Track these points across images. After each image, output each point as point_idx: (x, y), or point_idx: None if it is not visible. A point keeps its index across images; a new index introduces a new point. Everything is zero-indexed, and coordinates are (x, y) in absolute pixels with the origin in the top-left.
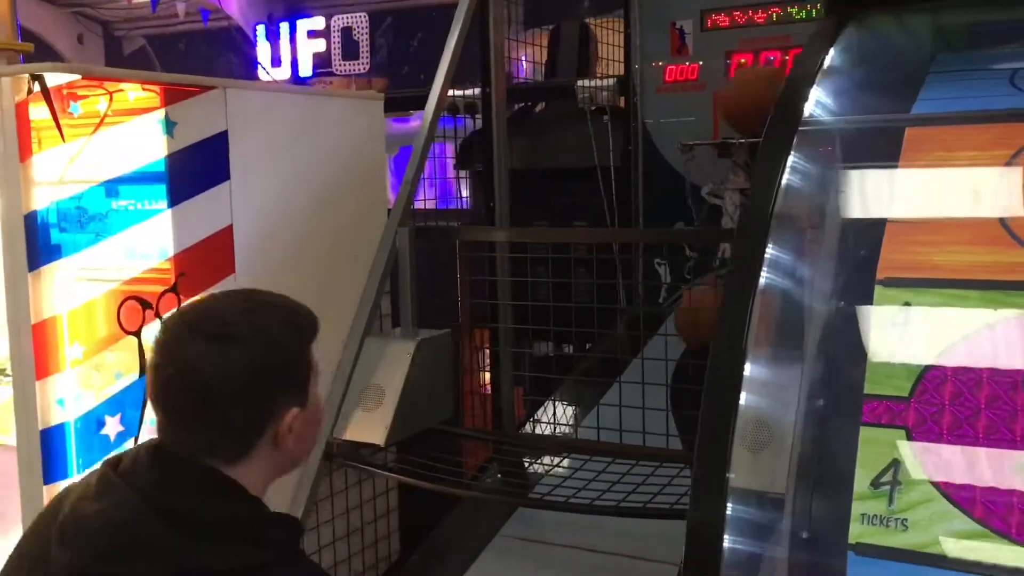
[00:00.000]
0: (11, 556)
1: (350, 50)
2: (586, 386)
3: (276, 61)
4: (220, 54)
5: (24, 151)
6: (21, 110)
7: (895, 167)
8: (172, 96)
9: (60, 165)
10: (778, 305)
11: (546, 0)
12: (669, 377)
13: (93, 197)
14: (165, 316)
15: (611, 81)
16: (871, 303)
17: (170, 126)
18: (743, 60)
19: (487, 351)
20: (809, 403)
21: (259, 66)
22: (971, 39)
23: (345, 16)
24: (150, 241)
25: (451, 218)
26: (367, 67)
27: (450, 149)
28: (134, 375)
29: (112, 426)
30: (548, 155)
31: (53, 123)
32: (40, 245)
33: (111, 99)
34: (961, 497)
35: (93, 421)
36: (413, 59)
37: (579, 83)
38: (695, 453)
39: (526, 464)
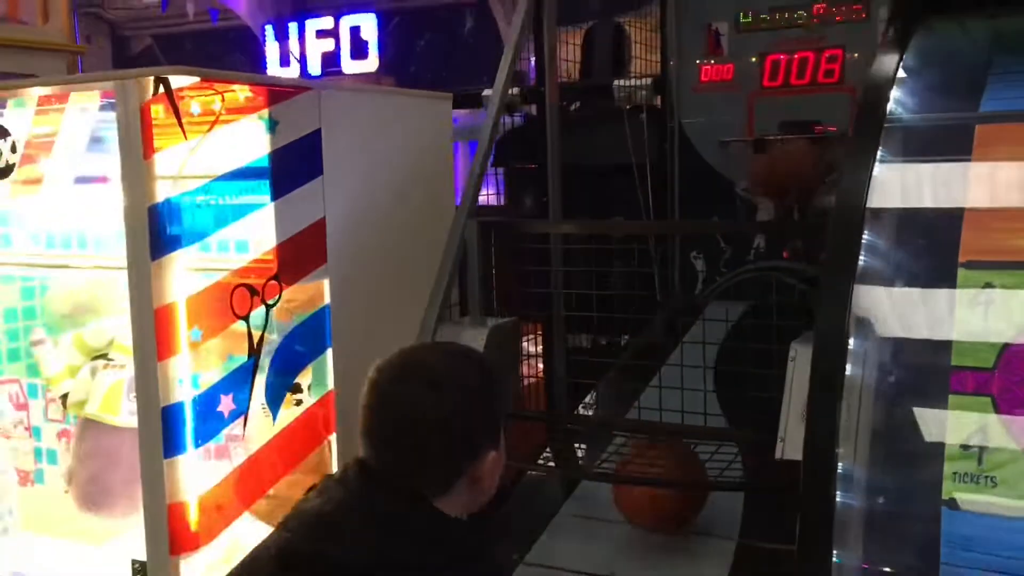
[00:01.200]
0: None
1: (359, 49)
2: (634, 371)
3: (285, 60)
4: (228, 53)
5: (147, 148)
6: (145, 110)
7: (969, 160)
8: (275, 97)
9: (178, 161)
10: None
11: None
12: (715, 360)
13: (207, 191)
14: (376, 363)
15: (647, 80)
16: (955, 284)
17: (273, 125)
18: (777, 59)
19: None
20: (894, 377)
21: (267, 65)
22: None
23: (353, 16)
24: (255, 232)
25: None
26: (376, 66)
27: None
28: (243, 357)
29: (226, 404)
30: (585, 152)
31: (171, 122)
32: (161, 236)
33: (223, 99)
34: None
35: (210, 399)
36: (420, 58)
37: (616, 82)
38: (806, 444)
39: (578, 447)
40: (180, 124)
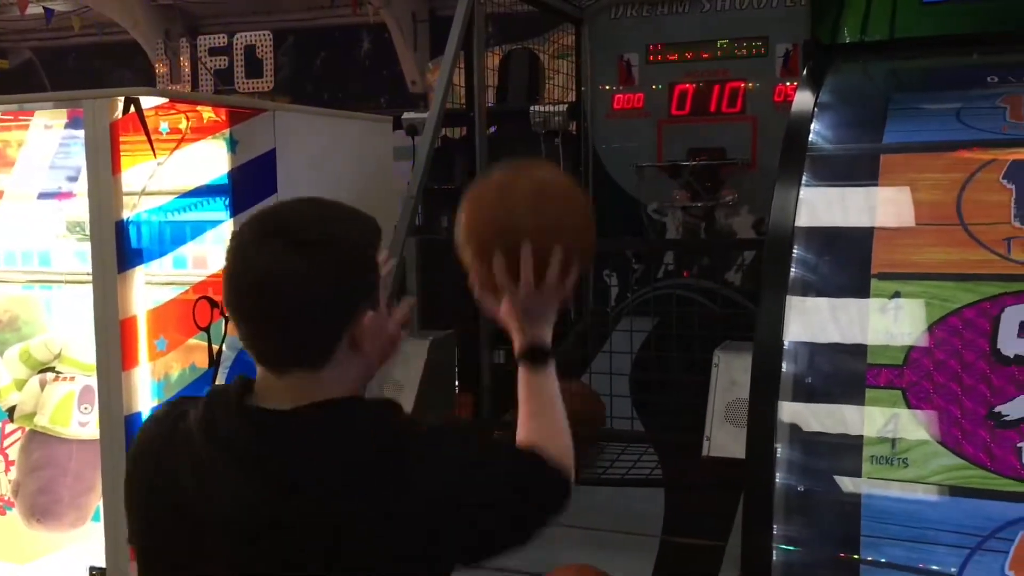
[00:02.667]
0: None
1: (253, 68)
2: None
3: (176, 77)
4: (113, 69)
5: (115, 166)
6: (114, 129)
7: (877, 185)
8: (236, 118)
9: (144, 178)
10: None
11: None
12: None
13: (171, 208)
14: (235, 228)
15: (563, 107)
16: (868, 293)
17: (233, 144)
18: (684, 89)
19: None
20: (819, 374)
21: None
22: (920, 83)
23: (248, 34)
24: (215, 247)
25: None
26: (271, 85)
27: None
28: (204, 366)
29: None
30: None
31: (139, 140)
32: (127, 250)
33: (188, 119)
34: (948, 439)
35: None
36: (317, 78)
37: (533, 108)
38: (749, 437)
39: None
40: (150, 143)
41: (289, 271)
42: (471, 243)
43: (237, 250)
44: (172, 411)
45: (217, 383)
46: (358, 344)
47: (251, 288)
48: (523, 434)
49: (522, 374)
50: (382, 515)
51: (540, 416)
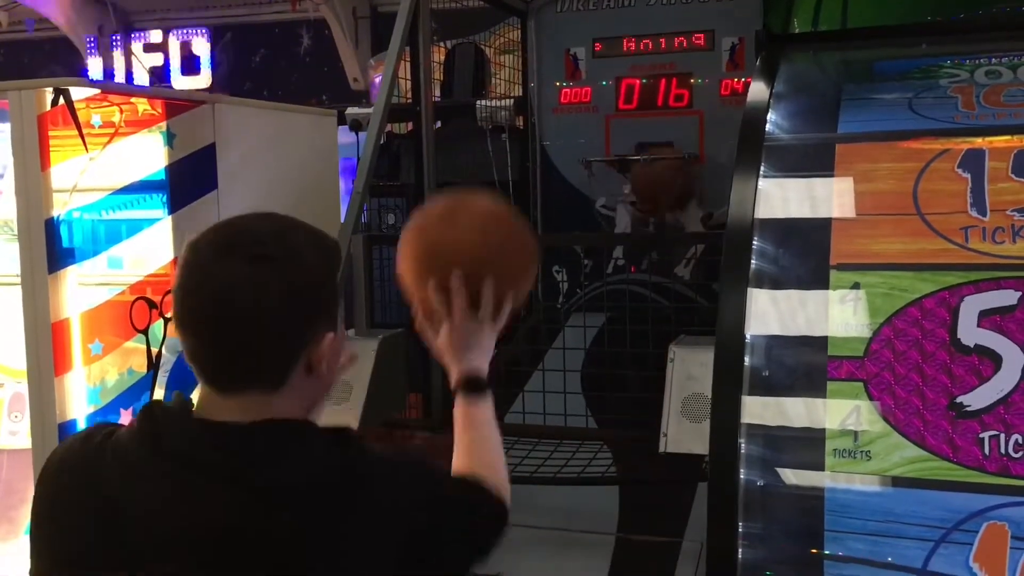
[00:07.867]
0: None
1: (190, 65)
2: (505, 378)
3: (109, 74)
4: (44, 65)
5: (44, 160)
6: (42, 122)
7: (833, 175)
8: (172, 110)
9: (75, 174)
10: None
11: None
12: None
13: (105, 205)
14: (190, 238)
15: (509, 101)
16: (827, 284)
17: (170, 138)
18: (631, 83)
19: None
20: (780, 367)
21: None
22: (871, 73)
23: (184, 31)
24: (152, 246)
25: None
26: (208, 82)
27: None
28: (142, 371)
29: (126, 418)
30: (448, 171)
31: (69, 134)
32: (57, 250)
33: (122, 112)
34: (910, 430)
35: (109, 414)
36: (255, 75)
37: (479, 103)
38: (713, 432)
39: None
40: (81, 136)
41: (250, 285)
42: (412, 270)
43: (192, 262)
44: (96, 432)
45: (155, 396)
46: (316, 367)
47: (208, 301)
48: (463, 467)
49: (459, 406)
50: (342, 534)
51: (479, 450)
